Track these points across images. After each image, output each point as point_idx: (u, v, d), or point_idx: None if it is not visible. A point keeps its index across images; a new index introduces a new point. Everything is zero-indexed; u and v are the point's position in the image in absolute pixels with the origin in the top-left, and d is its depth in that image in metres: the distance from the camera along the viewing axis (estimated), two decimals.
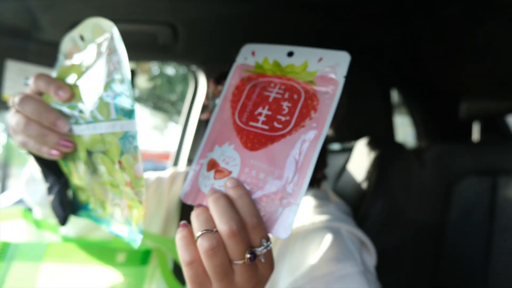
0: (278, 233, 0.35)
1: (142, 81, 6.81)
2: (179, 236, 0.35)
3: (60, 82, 0.44)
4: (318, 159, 0.68)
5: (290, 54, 0.40)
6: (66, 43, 0.50)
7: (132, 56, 1.04)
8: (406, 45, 1.28)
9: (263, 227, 0.35)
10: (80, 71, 0.44)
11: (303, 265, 0.56)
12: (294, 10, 0.96)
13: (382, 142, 0.76)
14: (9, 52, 0.78)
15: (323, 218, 0.60)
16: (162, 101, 7.66)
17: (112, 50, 0.42)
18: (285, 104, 0.38)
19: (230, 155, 0.38)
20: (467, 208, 1.18)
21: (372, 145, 0.76)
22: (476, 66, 1.40)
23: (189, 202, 0.39)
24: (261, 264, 0.35)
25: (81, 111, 0.43)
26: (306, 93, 0.39)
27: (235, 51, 0.73)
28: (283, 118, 0.38)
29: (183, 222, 0.37)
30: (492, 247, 1.10)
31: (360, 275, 0.54)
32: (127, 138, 0.39)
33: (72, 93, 0.43)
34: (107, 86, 0.40)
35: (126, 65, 0.40)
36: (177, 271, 0.76)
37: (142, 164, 0.38)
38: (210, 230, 0.34)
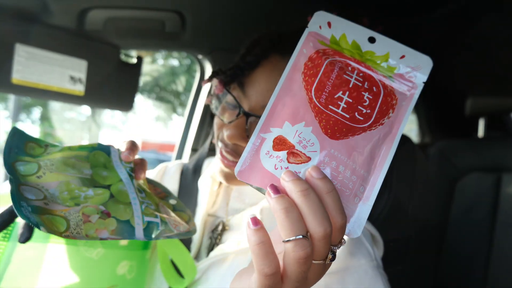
0: (353, 232, 0.33)
1: (146, 71, 6.81)
2: (256, 242, 0.31)
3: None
4: None
5: (372, 40, 0.37)
6: None
7: (139, 44, 1.04)
8: (411, 40, 1.27)
9: (345, 227, 0.32)
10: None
11: None
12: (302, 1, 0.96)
13: None
14: (19, 35, 0.78)
15: None
16: (166, 92, 7.65)
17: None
18: (366, 95, 0.35)
19: (308, 138, 0.34)
20: (470, 204, 1.18)
21: None
22: (481, 62, 1.40)
23: (245, 180, 0.34)
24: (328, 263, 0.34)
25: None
26: (385, 88, 0.36)
27: (242, 40, 0.74)
28: (364, 110, 0.35)
29: (253, 216, 0.32)
30: (493, 243, 1.10)
31: (374, 270, 0.54)
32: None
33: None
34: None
35: None
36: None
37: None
38: (305, 235, 0.30)
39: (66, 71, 0.87)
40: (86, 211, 0.44)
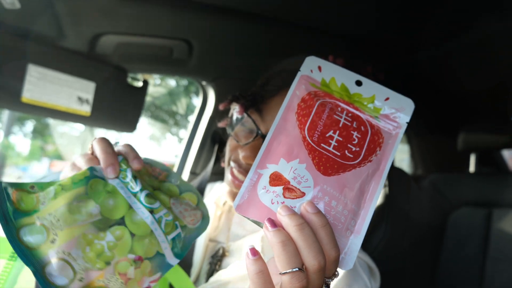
0: (345, 264, 0.35)
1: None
2: (255, 271, 0.32)
3: (137, 154, 0.47)
4: None
5: (359, 83, 0.40)
6: None
7: (147, 68, 1.07)
8: (407, 74, 1.32)
9: (338, 261, 0.34)
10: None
11: None
12: (303, 33, 1.01)
13: None
14: (32, 56, 0.81)
15: None
16: (161, 111, 7.67)
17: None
18: (355, 134, 0.38)
19: (302, 174, 0.36)
20: (461, 237, 1.20)
21: None
22: (475, 99, 1.45)
23: (243, 214, 0.36)
24: None
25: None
26: (372, 127, 0.39)
27: (244, 70, 0.76)
28: (353, 148, 0.37)
29: (252, 247, 0.33)
30: (484, 278, 1.11)
31: None
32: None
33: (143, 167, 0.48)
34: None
35: None
36: None
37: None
38: (301, 268, 0.31)
39: (75, 92, 0.88)
40: (120, 269, 0.41)
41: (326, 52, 0.86)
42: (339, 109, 0.39)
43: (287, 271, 0.31)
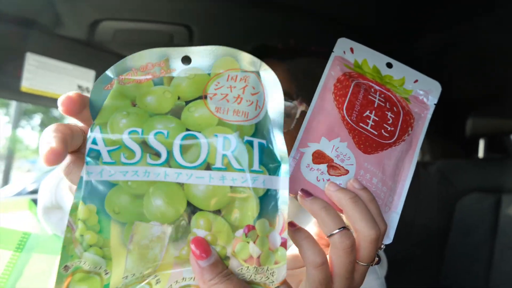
0: (387, 238, 0.36)
1: None
2: (302, 237, 0.32)
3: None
4: None
5: (389, 65, 0.41)
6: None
7: None
8: (415, 59, 1.29)
9: (385, 232, 0.35)
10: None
11: None
12: (306, 19, 0.98)
13: None
14: (30, 44, 0.80)
15: None
16: None
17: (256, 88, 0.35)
18: (389, 114, 0.39)
19: (345, 152, 0.37)
20: (469, 224, 1.18)
21: None
22: (482, 83, 1.42)
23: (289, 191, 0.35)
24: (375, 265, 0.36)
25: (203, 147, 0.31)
26: (403, 108, 0.40)
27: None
28: (389, 128, 0.39)
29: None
30: (492, 265, 1.10)
31: (380, 287, 0.54)
32: (269, 198, 0.31)
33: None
34: (252, 128, 0.33)
35: (279, 109, 0.34)
36: None
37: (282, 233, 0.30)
38: (345, 226, 0.32)
39: (75, 80, 0.88)
40: (242, 255, 0.30)
41: (326, 38, 0.84)
42: (373, 90, 0.40)
43: (335, 231, 0.32)
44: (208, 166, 0.31)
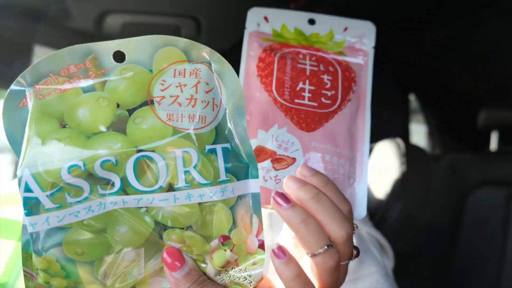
0: (359, 214, 0.33)
1: None
2: (291, 276, 0.27)
3: None
4: None
5: (311, 21, 0.37)
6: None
7: None
8: (426, 51, 1.27)
9: (352, 214, 0.30)
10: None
11: None
12: (316, 8, 0.97)
13: (405, 144, 0.76)
14: (37, 37, 0.80)
15: None
16: None
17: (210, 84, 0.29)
18: (325, 78, 0.34)
19: (286, 139, 0.32)
20: (481, 218, 1.17)
21: (394, 146, 0.76)
22: (495, 75, 1.39)
23: None
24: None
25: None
26: (340, 64, 0.36)
27: None
28: (329, 93, 0.34)
29: (278, 246, 0.28)
30: (505, 259, 1.09)
31: (385, 279, 0.54)
32: (241, 205, 0.28)
33: None
34: (212, 134, 0.29)
35: (239, 99, 0.29)
36: None
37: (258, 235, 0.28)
38: (330, 243, 0.27)
39: None
40: (218, 263, 0.29)
41: None
42: (301, 56, 0.36)
43: (318, 251, 0.27)
44: (170, 187, 0.27)
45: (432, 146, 1.63)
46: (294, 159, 0.32)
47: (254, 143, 0.33)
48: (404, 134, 1.22)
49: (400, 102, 1.04)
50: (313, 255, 0.27)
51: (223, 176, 0.28)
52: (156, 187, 0.27)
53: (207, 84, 0.29)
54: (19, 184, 0.25)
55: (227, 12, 0.97)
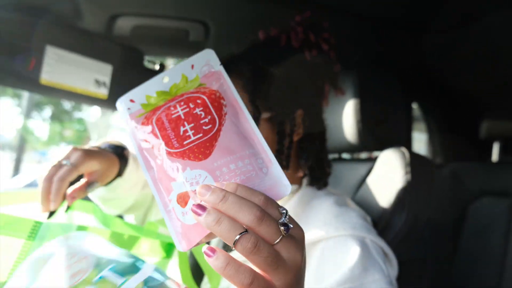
0: (281, 193, 0.36)
1: None
2: (222, 265, 0.32)
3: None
4: (319, 156, 0.70)
5: (165, 79, 0.42)
6: None
7: (163, 51, 1.06)
8: (430, 60, 1.28)
9: (271, 199, 0.34)
10: None
11: (330, 274, 0.56)
12: (323, 14, 0.98)
13: (410, 153, 0.76)
14: (50, 38, 0.80)
15: (346, 226, 0.60)
16: None
17: None
18: (198, 110, 0.39)
19: (193, 175, 0.37)
20: (482, 228, 1.17)
21: (399, 155, 0.77)
22: (498, 85, 1.40)
23: (194, 245, 0.36)
24: (293, 230, 0.34)
25: None
26: (204, 94, 0.41)
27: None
28: (206, 120, 0.39)
29: (208, 247, 0.33)
30: (505, 269, 1.09)
31: (387, 285, 0.54)
32: (151, 281, 0.40)
33: None
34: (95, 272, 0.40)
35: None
36: (194, 268, 0.77)
37: None
38: (244, 231, 0.32)
39: (92, 74, 0.88)
40: None
41: (343, 34, 0.83)
42: (172, 108, 0.40)
43: (235, 240, 0.31)
44: None
45: (434, 154, 1.64)
46: (208, 186, 0.36)
47: (174, 195, 0.38)
48: (407, 143, 1.22)
49: (404, 110, 1.05)
50: (234, 245, 0.32)
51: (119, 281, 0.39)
52: None
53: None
54: None
55: (235, 17, 0.98)
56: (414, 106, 1.58)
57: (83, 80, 0.87)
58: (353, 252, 0.56)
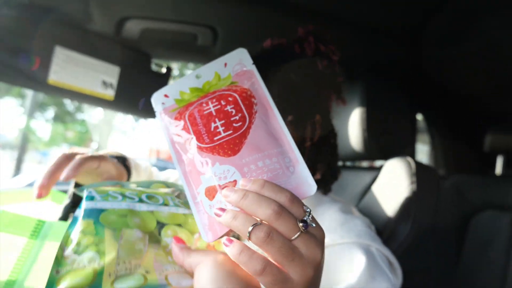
0: (307, 192, 0.37)
1: None
2: (237, 252, 0.34)
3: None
4: (326, 157, 0.71)
5: (199, 76, 0.44)
6: None
7: (171, 55, 1.07)
8: (435, 72, 1.28)
9: (296, 197, 0.35)
10: None
11: (336, 282, 0.56)
12: (329, 24, 0.99)
13: (416, 162, 0.76)
14: (59, 38, 0.81)
15: (351, 233, 0.60)
16: None
17: None
18: (229, 108, 0.41)
19: (221, 170, 0.39)
20: (484, 242, 1.16)
21: (404, 165, 0.77)
22: (502, 98, 1.40)
23: (219, 238, 0.38)
24: (314, 229, 0.35)
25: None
26: (237, 92, 0.42)
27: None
28: (237, 117, 0.40)
29: (226, 238, 0.36)
30: (506, 283, 1.08)
31: None
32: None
33: None
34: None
35: None
36: None
37: None
38: (257, 223, 0.34)
39: (99, 76, 0.89)
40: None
41: (346, 43, 0.84)
42: (204, 104, 0.42)
43: (248, 231, 0.33)
44: (165, 204, 0.48)
45: (436, 166, 1.64)
46: (235, 181, 0.38)
47: (202, 188, 0.40)
48: (411, 152, 1.22)
49: (408, 120, 1.05)
50: (249, 237, 0.33)
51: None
52: (158, 204, 0.48)
53: None
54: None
55: (243, 23, 0.99)
56: (418, 117, 1.58)
57: (91, 81, 0.88)
58: (359, 260, 0.56)
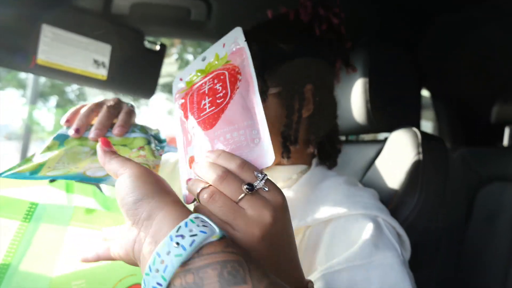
0: (265, 163, 0.39)
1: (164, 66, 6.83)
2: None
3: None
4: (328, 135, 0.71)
5: (204, 58, 0.47)
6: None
7: (164, 31, 1.03)
8: (439, 44, 1.24)
9: (249, 164, 0.38)
10: None
11: (341, 251, 0.55)
12: None
13: (422, 133, 0.73)
14: (46, 16, 0.78)
15: (358, 205, 0.59)
16: None
17: None
18: (218, 85, 0.43)
19: (200, 143, 0.43)
20: (491, 214, 1.15)
21: (411, 135, 0.74)
22: (508, 69, 1.36)
23: (191, 202, 0.41)
24: (267, 193, 0.37)
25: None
26: (228, 69, 0.44)
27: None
28: (221, 94, 0.43)
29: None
30: None
31: (400, 266, 0.52)
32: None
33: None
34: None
35: None
36: None
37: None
38: (206, 186, 0.37)
39: (90, 55, 0.86)
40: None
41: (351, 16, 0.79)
42: (203, 84, 0.45)
43: (197, 192, 0.37)
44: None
45: (444, 139, 1.61)
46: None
47: (187, 158, 0.45)
48: (417, 125, 1.19)
49: (414, 91, 1.02)
50: (197, 197, 0.38)
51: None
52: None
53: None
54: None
55: None
56: (423, 93, 1.54)
57: (81, 60, 0.85)
58: (364, 230, 0.55)
